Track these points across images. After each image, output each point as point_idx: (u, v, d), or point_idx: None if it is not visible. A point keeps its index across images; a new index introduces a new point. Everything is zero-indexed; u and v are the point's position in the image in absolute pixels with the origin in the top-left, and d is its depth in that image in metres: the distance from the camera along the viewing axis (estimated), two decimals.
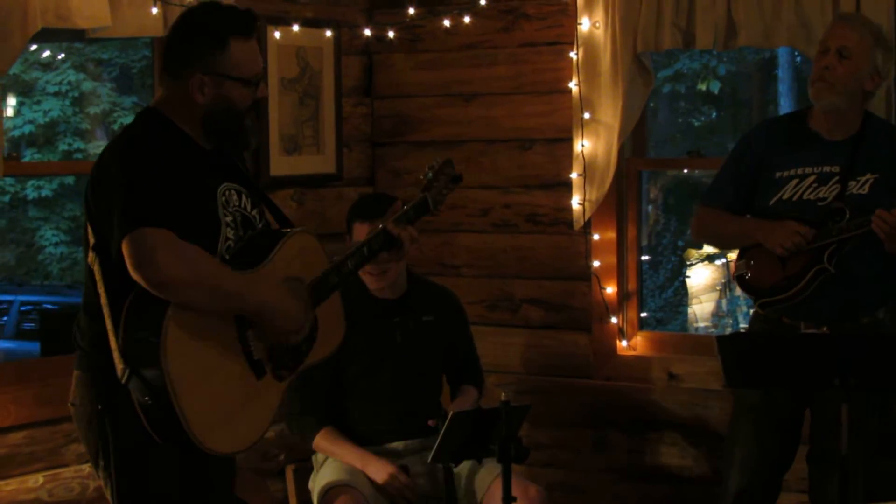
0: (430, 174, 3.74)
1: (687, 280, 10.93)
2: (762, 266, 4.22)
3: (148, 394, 3.06)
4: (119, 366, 3.10)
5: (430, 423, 4.17)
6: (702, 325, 10.00)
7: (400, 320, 4.52)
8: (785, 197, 4.22)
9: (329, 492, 4.29)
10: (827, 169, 4.17)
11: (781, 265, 4.16)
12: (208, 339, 3.13)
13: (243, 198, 3.37)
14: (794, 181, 4.21)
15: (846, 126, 4.20)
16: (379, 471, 4.34)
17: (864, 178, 4.14)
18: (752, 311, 4.46)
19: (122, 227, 3.05)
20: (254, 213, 3.39)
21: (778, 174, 4.25)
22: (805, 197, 4.19)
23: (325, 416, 4.50)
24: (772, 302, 4.20)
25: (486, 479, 4.32)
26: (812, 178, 4.19)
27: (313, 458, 4.57)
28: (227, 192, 3.30)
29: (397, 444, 4.46)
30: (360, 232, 4.39)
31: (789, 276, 4.14)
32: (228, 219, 3.27)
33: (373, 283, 4.47)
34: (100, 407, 3.23)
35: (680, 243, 11.32)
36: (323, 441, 4.47)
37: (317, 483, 4.42)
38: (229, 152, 3.41)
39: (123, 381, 3.09)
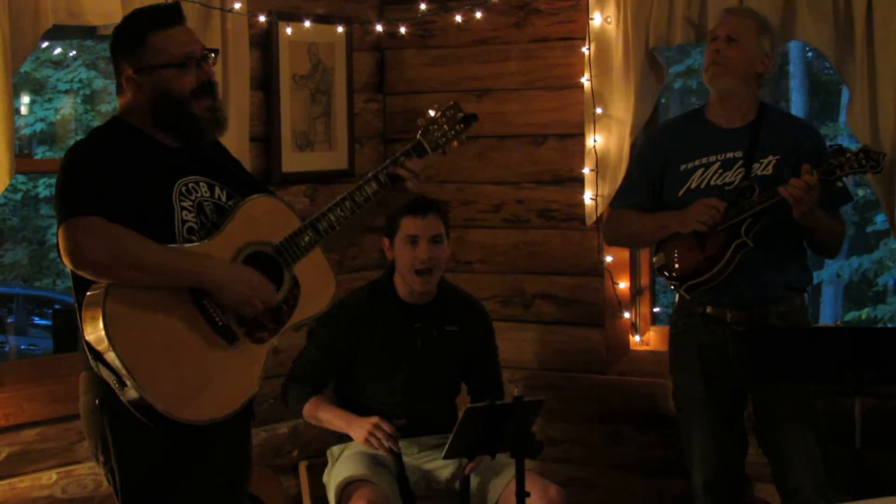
0: (428, 119, 3.66)
1: None
2: (682, 252, 4.32)
3: (114, 377, 3.13)
4: (89, 358, 3.18)
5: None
6: None
7: (422, 327, 4.51)
8: (693, 186, 4.36)
9: (348, 486, 4.29)
10: (730, 155, 4.33)
11: (701, 247, 4.27)
12: (159, 312, 3.17)
13: (216, 190, 3.42)
14: (700, 170, 4.36)
15: (743, 113, 4.37)
16: (361, 426, 4.34)
17: (766, 161, 4.30)
18: (674, 303, 4.53)
19: (57, 221, 3.18)
20: (229, 203, 3.41)
21: (683, 167, 4.39)
22: (712, 183, 4.33)
23: (319, 392, 4.53)
24: (697, 284, 4.29)
25: (505, 476, 4.32)
26: (716, 164, 4.34)
27: (328, 452, 4.58)
28: (189, 185, 3.35)
29: (410, 441, 4.46)
30: (413, 226, 4.42)
31: (710, 256, 4.24)
32: (186, 203, 3.31)
33: (421, 285, 4.46)
34: (97, 402, 3.29)
35: None
36: (312, 408, 4.49)
37: (333, 477, 4.41)
38: (199, 148, 3.45)
39: (97, 371, 3.17)
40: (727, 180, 4.29)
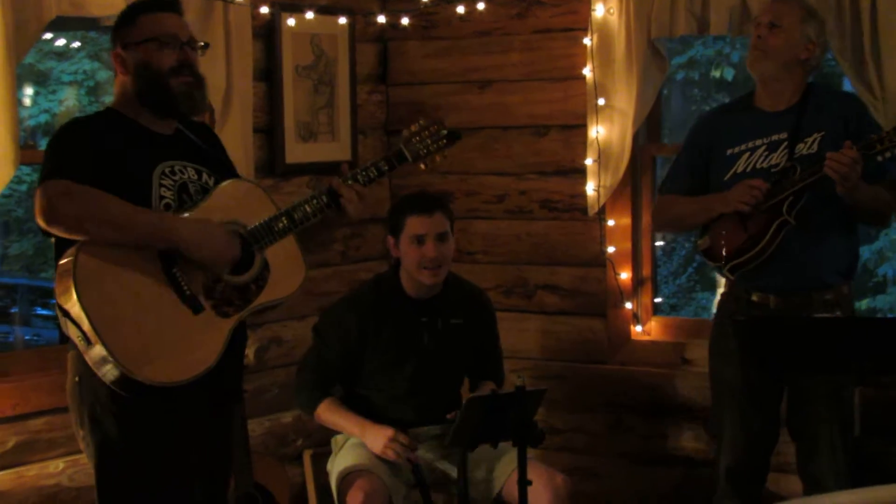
0: (411, 130, 3.77)
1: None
2: (726, 234, 4.30)
3: (80, 334, 3.19)
4: (61, 319, 3.24)
5: (450, 415, 4.19)
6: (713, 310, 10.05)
7: (428, 321, 4.51)
8: (739, 170, 4.35)
9: (348, 476, 4.30)
10: (775, 137, 4.32)
11: (744, 228, 4.26)
12: (128, 274, 3.24)
13: (204, 175, 3.50)
14: (746, 154, 4.36)
15: (787, 96, 4.35)
16: (377, 436, 4.35)
17: (811, 139, 4.28)
18: (719, 292, 4.52)
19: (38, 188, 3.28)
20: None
21: (729, 151, 4.38)
22: (758, 166, 4.32)
23: (332, 393, 4.53)
24: (740, 264, 4.26)
25: (508, 465, 4.33)
26: (762, 148, 4.33)
27: (332, 441, 4.59)
28: (175, 167, 3.44)
29: (415, 431, 4.47)
30: (419, 225, 4.41)
31: (753, 236, 4.23)
32: (166, 182, 3.39)
33: (429, 278, 4.46)
34: (77, 379, 3.37)
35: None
36: (325, 412, 4.49)
37: (335, 466, 4.43)
38: (190, 137, 3.55)
39: (65, 331, 3.25)
40: (773, 162, 4.28)
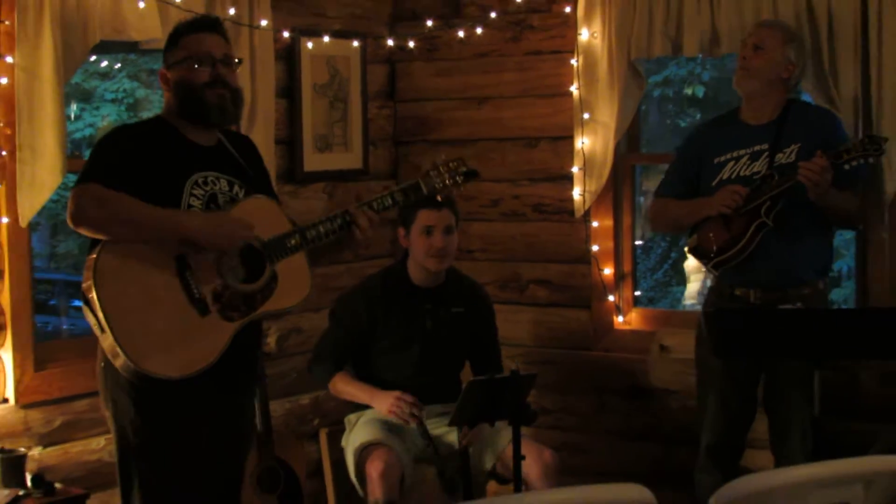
0: (433, 165, 3.69)
1: (685, 263, 10.94)
2: (711, 233, 4.30)
3: (95, 321, 3.19)
4: (84, 308, 3.23)
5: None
6: (688, 302, 10.00)
7: (432, 308, 4.51)
8: (725, 177, 4.34)
9: (365, 449, 4.29)
10: (757, 148, 4.31)
11: (727, 229, 4.25)
12: (143, 272, 3.22)
13: (235, 187, 3.43)
14: (731, 163, 4.35)
15: (769, 111, 4.34)
16: (385, 399, 4.34)
17: (789, 150, 4.27)
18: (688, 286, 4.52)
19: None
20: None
21: (716, 160, 4.38)
22: (742, 174, 4.31)
23: (343, 368, 4.54)
24: (722, 261, 4.26)
25: (502, 442, 4.32)
26: (745, 157, 4.32)
27: (346, 420, 4.58)
28: (208, 178, 3.38)
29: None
30: (429, 218, 4.42)
31: (735, 236, 4.23)
32: (197, 192, 3.34)
33: (436, 265, 4.46)
34: (102, 364, 3.36)
35: None
36: (338, 382, 4.51)
37: (350, 442, 4.42)
38: (230, 150, 3.48)
39: (86, 318, 3.23)
40: (755, 170, 4.27)
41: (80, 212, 3.20)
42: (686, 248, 4.56)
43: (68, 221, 3.23)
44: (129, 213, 3.20)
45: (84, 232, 3.24)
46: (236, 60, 3.47)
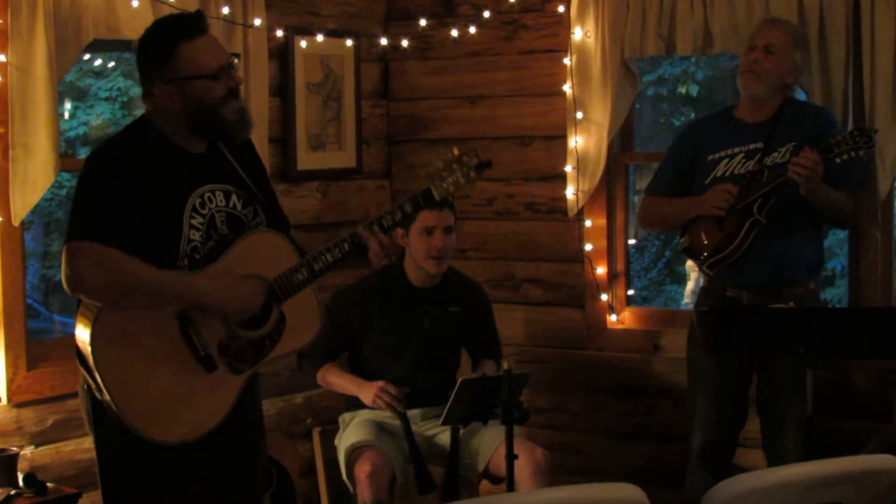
0: (445, 162, 3.39)
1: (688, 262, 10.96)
2: (704, 233, 4.28)
3: (94, 384, 3.00)
4: (77, 358, 3.03)
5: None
6: (687, 301, 10.00)
7: (429, 308, 4.51)
8: (718, 175, 4.32)
9: (354, 451, 4.29)
10: (752, 146, 4.28)
11: (719, 228, 4.23)
12: (144, 336, 2.98)
13: (232, 198, 3.17)
14: (725, 160, 4.32)
15: (767, 110, 4.31)
16: (369, 389, 4.34)
17: (784, 149, 4.23)
18: (700, 286, 4.51)
19: (63, 239, 3.02)
20: (245, 211, 3.20)
21: (710, 157, 4.34)
22: (736, 172, 4.28)
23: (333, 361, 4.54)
24: (717, 261, 4.23)
25: (494, 441, 4.31)
26: (740, 155, 4.30)
27: (340, 419, 4.58)
28: (204, 195, 3.11)
29: (414, 411, 4.45)
30: (430, 218, 4.40)
31: (728, 235, 4.20)
32: (195, 221, 3.08)
33: (434, 267, 4.46)
34: (86, 386, 3.10)
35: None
36: (326, 372, 4.51)
37: (343, 442, 4.42)
38: (223, 153, 3.21)
39: (79, 368, 3.04)
40: (749, 168, 4.24)
41: (79, 279, 2.94)
42: (679, 248, 4.55)
43: (64, 285, 2.96)
44: (135, 281, 2.94)
45: (83, 298, 2.97)
46: (235, 60, 3.18)
